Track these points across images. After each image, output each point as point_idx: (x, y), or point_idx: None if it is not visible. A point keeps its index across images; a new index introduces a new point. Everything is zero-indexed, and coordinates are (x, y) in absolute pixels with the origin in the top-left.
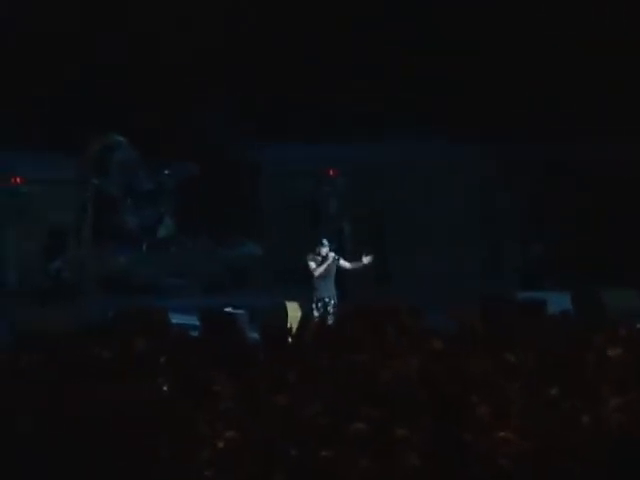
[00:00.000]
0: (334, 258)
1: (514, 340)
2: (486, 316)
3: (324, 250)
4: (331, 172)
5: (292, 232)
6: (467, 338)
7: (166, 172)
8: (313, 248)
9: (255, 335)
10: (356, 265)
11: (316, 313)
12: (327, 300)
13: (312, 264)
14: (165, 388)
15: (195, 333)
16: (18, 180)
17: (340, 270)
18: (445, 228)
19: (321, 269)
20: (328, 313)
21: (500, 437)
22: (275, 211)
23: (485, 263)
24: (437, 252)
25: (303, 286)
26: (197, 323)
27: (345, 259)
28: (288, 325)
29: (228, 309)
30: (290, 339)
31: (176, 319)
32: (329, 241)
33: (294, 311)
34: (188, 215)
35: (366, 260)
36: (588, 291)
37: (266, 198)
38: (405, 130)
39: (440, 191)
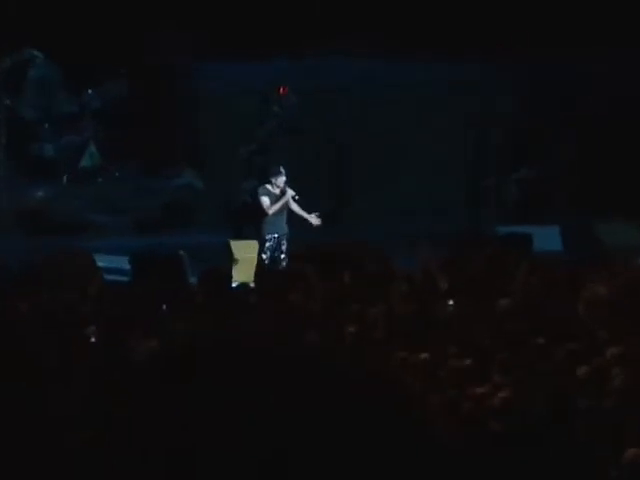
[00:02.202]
0: (293, 197)
1: (492, 283)
2: (458, 259)
3: (281, 180)
4: (281, 90)
5: (237, 161)
6: (434, 285)
7: (90, 92)
8: (263, 179)
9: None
10: (306, 217)
11: (267, 254)
12: (280, 238)
13: (265, 199)
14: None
15: (125, 279)
16: None
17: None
18: (421, 162)
19: (276, 207)
20: (281, 252)
21: (480, 393)
22: (218, 137)
23: (464, 198)
24: (410, 189)
25: (251, 224)
26: (128, 267)
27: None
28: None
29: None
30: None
31: (103, 262)
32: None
33: (246, 251)
34: (116, 142)
35: (315, 221)
36: (579, 224)
37: (207, 122)
38: (377, 45)
39: (415, 121)
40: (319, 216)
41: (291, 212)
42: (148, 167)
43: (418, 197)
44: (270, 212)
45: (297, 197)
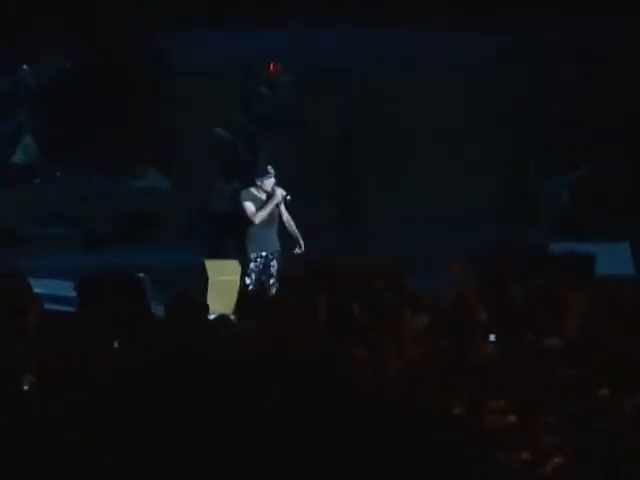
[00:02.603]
0: (284, 197)
1: (544, 316)
2: (498, 281)
3: (269, 183)
4: (271, 67)
5: (215, 159)
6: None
7: (25, 67)
8: (248, 181)
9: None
10: (296, 237)
11: (252, 277)
12: (269, 257)
13: (250, 206)
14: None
15: (70, 309)
16: None
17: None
18: (450, 159)
19: (264, 213)
20: (270, 275)
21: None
22: (190, 128)
23: (503, 202)
24: (436, 191)
25: (231, 238)
26: (73, 294)
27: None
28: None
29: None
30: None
31: (41, 287)
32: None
33: (226, 274)
34: (59, 132)
35: (297, 250)
36: None
37: (177, 109)
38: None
39: (436, 102)
40: (300, 248)
41: (282, 224)
42: (100, 166)
43: (446, 202)
44: (256, 221)
45: (289, 197)
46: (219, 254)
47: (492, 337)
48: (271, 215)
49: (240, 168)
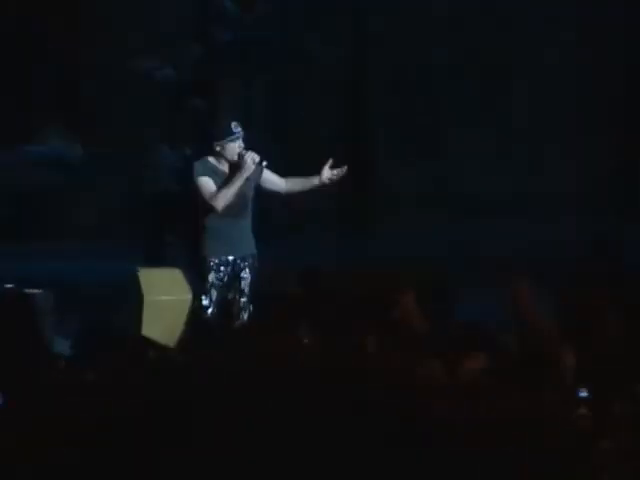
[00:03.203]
0: (258, 163)
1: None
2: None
3: (234, 148)
4: None
5: (151, 113)
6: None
7: None
8: (201, 146)
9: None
10: (305, 185)
11: (212, 295)
12: (238, 264)
13: (207, 182)
14: None
15: None
16: None
17: (263, 195)
18: (503, 125)
19: (229, 191)
20: (241, 294)
21: None
22: (112, 66)
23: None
24: (485, 168)
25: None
26: None
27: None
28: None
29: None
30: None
31: None
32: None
33: (173, 289)
34: None
35: (329, 174)
36: None
37: (95, 36)
38: None
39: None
40: (333, 164)
41: (260, 205)
42: None
43: (500, 186)
44: (218, 205)
45: (265, 163)
46: (157, 259)
47: (583, 393)
48: (241, 197)
49: (190, 127)
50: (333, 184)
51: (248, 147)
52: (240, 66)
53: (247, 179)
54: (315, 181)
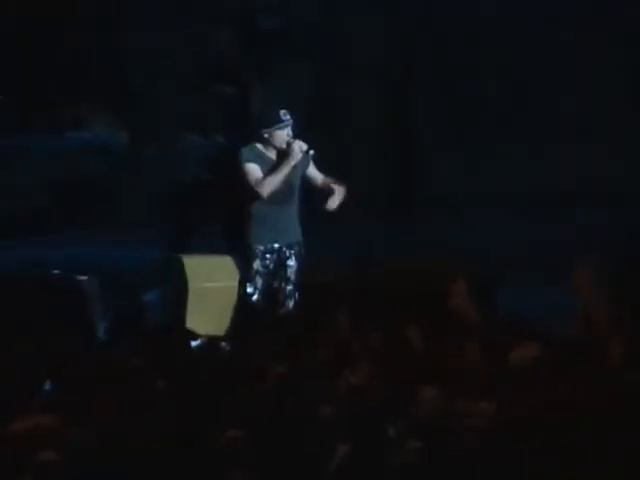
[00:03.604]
0: (305, 152)
1: None
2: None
3: (282, 136)
4: None
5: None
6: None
7: None
8: (248, 134)
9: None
10: (333, 185)
11: (258, 283)
12: (284, 251)
13: (254, 169)
14: None
15: None
16: None
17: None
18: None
19: (276, 179)
20: (286, 280)
21: None
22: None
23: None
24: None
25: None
26: None
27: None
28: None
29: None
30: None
31: None
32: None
33: (216, 277)
34: None
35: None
36: None
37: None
38: None
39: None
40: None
41: (308, 193)
42: (22, 113)
43: (551, 178)
44: (264, 192)
45: (312, 152)
46: (189, 246)
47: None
48: (287, 184)
49: (234, 114)
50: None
51: (295, 135)
52: (287, 52)
53: (294, 167)
54: (334, 189)
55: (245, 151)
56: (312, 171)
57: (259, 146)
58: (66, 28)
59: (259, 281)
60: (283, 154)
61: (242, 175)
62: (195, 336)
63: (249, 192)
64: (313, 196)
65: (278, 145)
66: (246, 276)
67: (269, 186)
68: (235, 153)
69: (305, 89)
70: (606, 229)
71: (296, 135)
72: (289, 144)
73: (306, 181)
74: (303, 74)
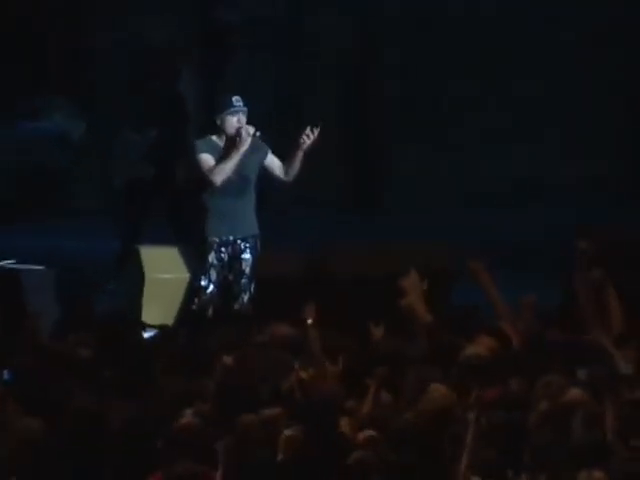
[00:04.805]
0: (252, 135)
1: None
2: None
3: (233, 122)
4: None
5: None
6: None
7: None
8: (206, 123)
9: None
10: (292, 162)
11: (212, 275)
12: (239, 244)
13: (206, 158)
14: None
15: None
16: None
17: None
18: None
19: (228, 165)
20: (241, 275)
21: None
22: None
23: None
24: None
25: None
26: None
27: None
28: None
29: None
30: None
31: None
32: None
33: (169, 268)
34: None
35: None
36: None
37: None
38: None
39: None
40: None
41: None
42: None
43: (513, 169)
44: (217, 179)
45: (259, 133)
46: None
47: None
48: (241, 175)
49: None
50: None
51: (249, 123)
52: (241, 45)
53: (247, 156)
54: (297, 153)
55: (199, 143)
56: (271, 160)
57: (214, 138)
58: (32, 21)
59: (213, 274)
60: (232, 140)
61: (196, 166)
62: (149, 326)
63: (203, 182)
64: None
65: (229, 132)
66: (200, 268)
67: (221, 174)
68: (173, 148)
69: (265, 83)
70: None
71: (255, 125)
72: (237, 129)
73: (267, 172)
74: (264, 69)
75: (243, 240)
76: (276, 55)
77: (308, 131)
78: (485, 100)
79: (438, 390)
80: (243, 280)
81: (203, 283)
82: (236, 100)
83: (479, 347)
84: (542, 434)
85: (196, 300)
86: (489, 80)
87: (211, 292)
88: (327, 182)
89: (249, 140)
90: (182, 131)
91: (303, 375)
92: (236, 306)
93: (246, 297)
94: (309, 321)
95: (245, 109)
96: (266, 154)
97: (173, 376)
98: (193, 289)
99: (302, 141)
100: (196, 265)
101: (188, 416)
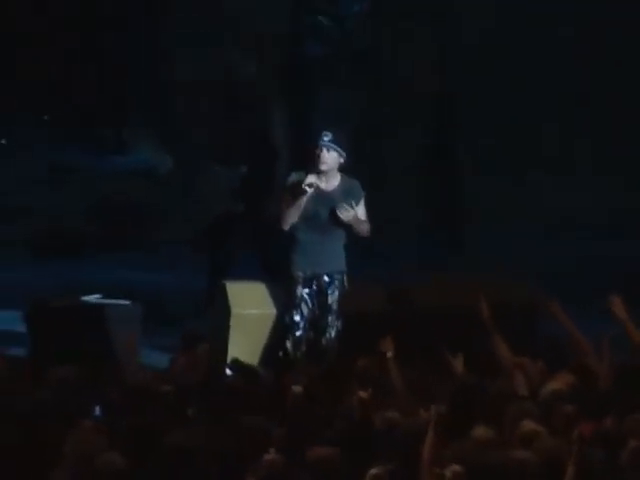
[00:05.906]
0: (309, 185)
1: None
2: None
3: (319, 154)
4: None
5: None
6: None
7: None
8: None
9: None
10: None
11: (302, 311)
12: (324, 280)
13: (285, 197)
14: None
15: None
16: None
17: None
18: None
19: (293, 212)
20: (328, 311)
21: None
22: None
23: None
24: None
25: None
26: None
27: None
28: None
29: (93, 297)
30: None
31: None
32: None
33: (255, 304)
34: None
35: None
36: None
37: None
38: None
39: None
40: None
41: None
42: (66, 132)
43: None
44: (284, 226)
45: (313, 188)
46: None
47: None
48: (314, 216)
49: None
50: None
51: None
52: (332, 79)
53: (338, 194)
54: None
55: (291, 176)
56: (359, 210)
57: (304, 174)
58: (117, 55)
59: (305, 308)
60: (294, 187)
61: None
62: (234, 363)
63: (279, 218)
64: None
65: (324, 166)
66: (288, 303)
67: (286, 219)
68: (263, 183)
69: (353, 115)
70: None
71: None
72: (298, 183)
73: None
74: (352, 101)
75: (328, 276)
76: (354, 90)
77: (347, 206)
78: None
79: (546, 441)
80: (330, 316)
81: (296, 319)
82: (324, 135)
83: (558, 383)
84: (636, 471)
85: (289, 336)
86: None
87: (303, 327)
88: (407, 217)
89: (306, 190)
90: (272, 166)
91: (363, 395)
92: (323, 342)
93: (333, 332)
94: (389, 354)
95: (331, 145)
96: (359, 200)
97: (256, 416)
98: (282, 325)
99: (340, 213)
100: (283, 301)
101: (272, 453)
